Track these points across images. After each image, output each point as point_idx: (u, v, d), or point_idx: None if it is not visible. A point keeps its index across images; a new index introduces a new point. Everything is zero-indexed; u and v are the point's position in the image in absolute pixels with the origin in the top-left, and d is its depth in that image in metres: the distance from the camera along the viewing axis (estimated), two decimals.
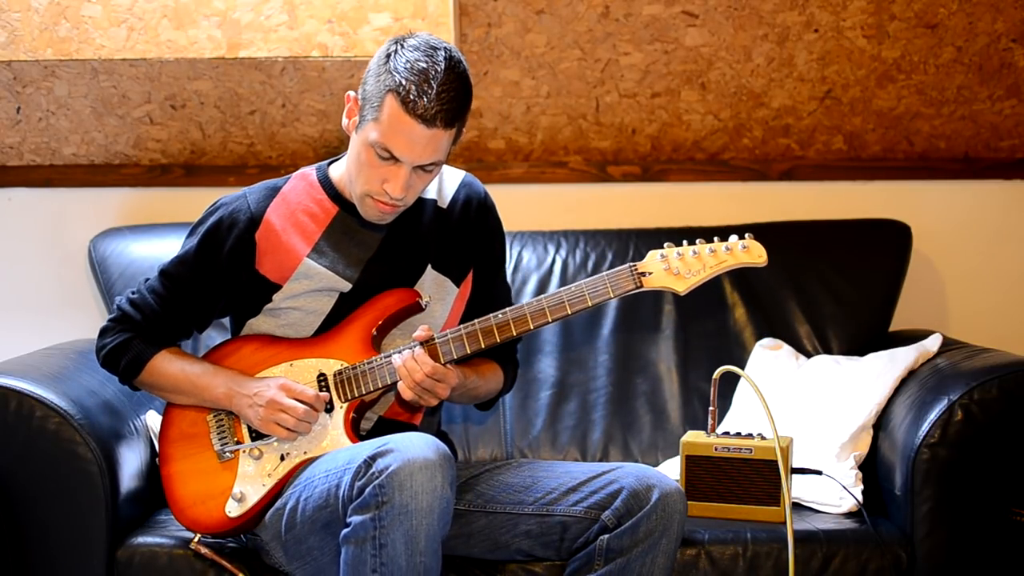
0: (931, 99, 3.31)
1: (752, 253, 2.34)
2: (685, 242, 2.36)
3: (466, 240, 2.54)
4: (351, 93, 2.36)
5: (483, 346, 2.36)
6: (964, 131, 3.37)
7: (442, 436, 2.66)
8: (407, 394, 2.34)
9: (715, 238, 2.36)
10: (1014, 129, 3.37)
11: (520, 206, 3.33)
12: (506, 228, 2.62)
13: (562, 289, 2.36)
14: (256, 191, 2.48)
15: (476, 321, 2.37)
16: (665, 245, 2.35)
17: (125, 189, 3.39)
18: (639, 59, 3.24)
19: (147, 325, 2.46)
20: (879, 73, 3.27)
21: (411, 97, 2.25)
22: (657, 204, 3.39)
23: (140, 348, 2.44)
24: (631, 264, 2.35)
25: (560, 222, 3.32)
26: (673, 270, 2.33)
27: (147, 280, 2.49)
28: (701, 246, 2.34)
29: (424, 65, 2.26)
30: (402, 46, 2.30)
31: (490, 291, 2.58)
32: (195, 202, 3.26)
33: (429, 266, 2.48)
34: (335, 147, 3.35)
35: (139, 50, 3.05)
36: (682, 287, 2.34)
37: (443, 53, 2.29)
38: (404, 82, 2.25)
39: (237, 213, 2.44)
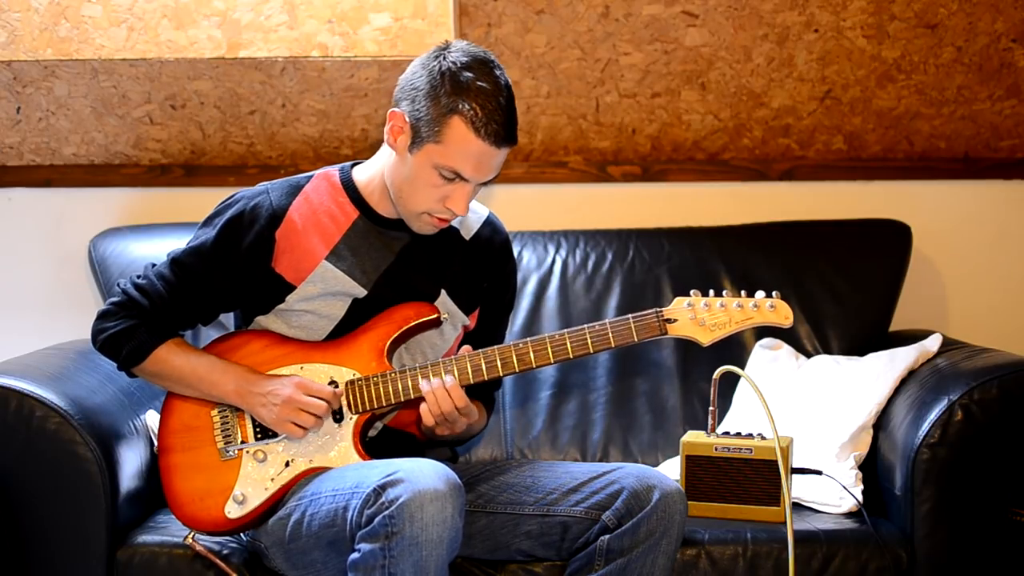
0: (931, 99, 3.31)
1: (779, 314, 2.33)
2: (712, 292, 2.36)
3: (482, 278, 2.53)
4: (396, 110, 2.32)
5: (501, 374, 2.35)
6: (964, 131, 3.37)
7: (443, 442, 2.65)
8: (428, 420, 2.33)
9: (742, 292, 2.36)
10: (1014, 129, 3.37)
11: (520, 206, 3.33)
12: (506, 228, 2.62)
13: (586, 327, 2.34)
14: (278, 188, 2.43)
15: (495, 348, 2.36)
16: (692, 292, 2.35)
17: (125, 189, 3.38)
18: (639, 59, 3.24)
19: (154, 313, 2.40)
20: (879, 73, 3.27)
21: (482, 121, 2.24)
22: (657, 204, 3.39)
23: (145, 336, 2.39)
24: (657, 310, 2.34)
25: (560, 222, 3.32)
26: (699, 321, 2.33)
27: (154, 266, 2.44)
28: (728, 299, 2.34)
29: (486, 85, 2.25)
30: (454, 63, 2.26)
31: (492, 333, 2.57)
32: (195, 202, 3.28)
33: (444, 291, 2.47)
34: (335, 147, 3.35)
35: (139, 50, 3.05)
36: (706, 339, 2.34)
37: (496, 69, 2.28)
38: (472, 106, 2.24)
39: (259, 208, 2.40)
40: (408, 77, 2.33)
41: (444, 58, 2.28)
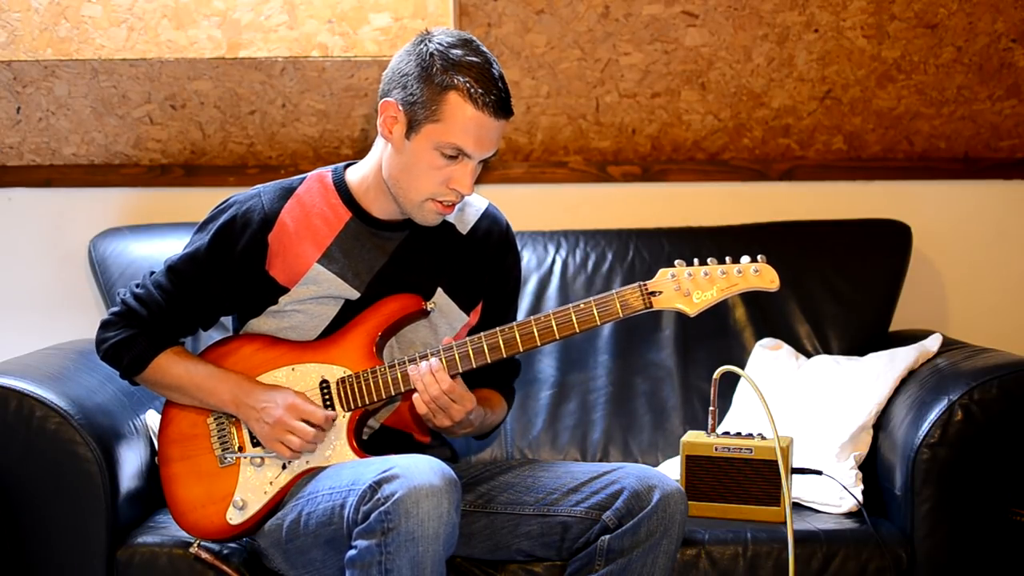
0: (931, 99, 3.31)
1: (764, 278, 2.29)
2: (696, 260, 2.32)
3: (481, 272, 2.51)
4: (388, 100, 2.32)
5: (488, 361, 2.34)
6: (964, 131, 3.37)
7: (443, 442, 2.64)
8: (421, 408, 2.32)
9: (727, 258, 2.32)
10: (1014, 129, 3.37)
11: (520, 206, 3.32)
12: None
13: (571, 305, 2.32)
14: (270, 191, 2.44)
15: (483, 335, 2.34)
16: (676, 263, 2.32)
17: (125, 189, 3.38)
18: (639, 59, 3.24)
19: (152, 322, 2.41)
20: (879, 73, 3.27)
21: (479, 92, 2.25)
22: (657, 204, 3.39)
23: (145, 346, 2.41)
24: (641, 283, 2.31)
25: (560, 222, 3.32)
26: (684, 291, 2.29)
27: (152, 274, 2.45)
28: (712, 267, 2.30)
29: (476, 59, 2.27)
30: (440, 44, 2.28)
31: (498, 325, 2.54)
32: (195, 202, 3.28)
33: (440, 289, 2.46)
34: (335, 147, 3.35)
35: (139, 50, 3.05)
36: (692, 309, 2.30)
37: (481, 46, 2.31)
38: (467, 78, 2.25)
39: (251, 212, 2.40)
40: (394, 66, 2.33)
41: (429, 41, 2.30)
